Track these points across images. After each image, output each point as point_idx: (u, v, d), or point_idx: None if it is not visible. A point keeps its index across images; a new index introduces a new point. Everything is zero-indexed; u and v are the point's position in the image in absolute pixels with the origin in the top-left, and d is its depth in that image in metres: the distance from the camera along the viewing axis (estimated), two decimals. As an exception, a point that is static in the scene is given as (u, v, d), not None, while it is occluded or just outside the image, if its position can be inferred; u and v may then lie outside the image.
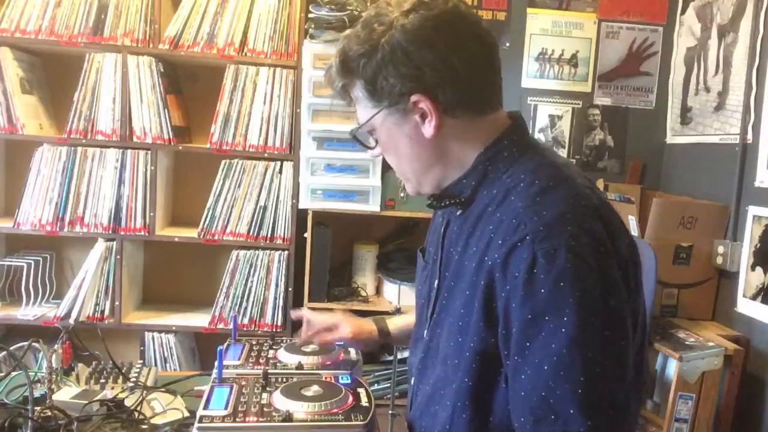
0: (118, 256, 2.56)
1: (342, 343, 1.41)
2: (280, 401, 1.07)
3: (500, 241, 0.86)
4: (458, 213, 1.00)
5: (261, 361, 1.29)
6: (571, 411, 0.78)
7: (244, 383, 1.16)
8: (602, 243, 0.83)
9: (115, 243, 2.56)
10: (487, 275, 0.87)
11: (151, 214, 2.57)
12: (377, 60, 0.92)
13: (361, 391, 1.14)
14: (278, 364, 1.28)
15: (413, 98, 0.92)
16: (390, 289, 2.70)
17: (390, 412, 2.22)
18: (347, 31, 0.98)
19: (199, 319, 2.64)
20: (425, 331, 1.06)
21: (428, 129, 0.94)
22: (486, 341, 0.87)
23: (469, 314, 0.90)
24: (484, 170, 0.96)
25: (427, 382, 1.01)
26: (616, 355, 0.81)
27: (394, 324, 1.40)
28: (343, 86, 0.99)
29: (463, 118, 0.95)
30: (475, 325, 0.89)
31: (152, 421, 1.24)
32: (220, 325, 2.59)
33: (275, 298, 2.61)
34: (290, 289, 2.62)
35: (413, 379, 1.10)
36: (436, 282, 1.04)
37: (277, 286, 2.61)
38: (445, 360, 0.96)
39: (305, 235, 2.61)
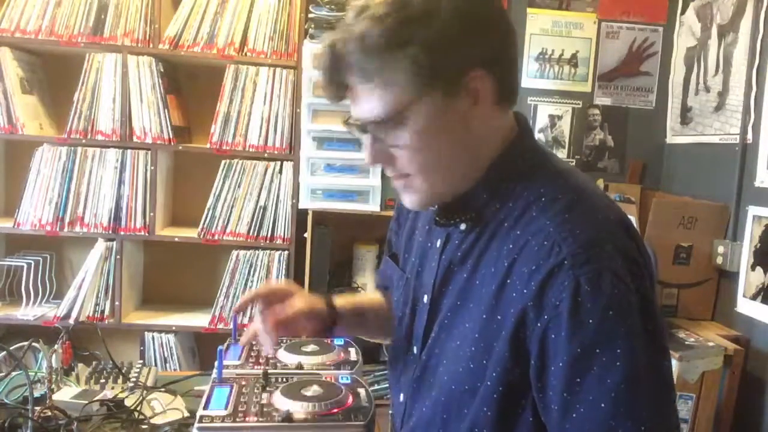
0: (118, 256, 2.56)
1: (342, 342, 1.41)
2: (280, 401, 1.07)
3: (533, 267, 0.78)
4: (462, 227, 0.90)
5: (261, 361, 1.29)
6: None
7: (244, 383, 1.16)
8: (636, 262, 0.78)
9: (115, 243, 2.56)
10: (515, 303, 0.79)
11: (151, 214, 2.57)
12: (440, 23, 0.76)
13: (361, 391, 1.13)
14: (278, 364, 1.28)
15: (473, 73, 0.79)
16: (390, 289, 2.70)
17: (390, 412, 2.22)
18: (358, 2, 0.80)
19: (199, 319, 2.64)
20: (416, 348, 0.98)
21: (478, 114, 0.82)
22: (511, 373, 0.81)
23: (489, 341, 0.83)
24: (498, 181, 0.87)
25: (424, 403, 0.94)
26: (666, 381, 0.78)
27: (344, 308, 1.16)
28: (366, 70, 0.79)
29: (496, 108, 0.85)
30: (498, 354, 0.81)
31: (152, 421, 1.24)
32: (220, 325, 2.59)
33: (275, 298, 2.61)
34: (290, 289, 2.61)
35: (402, 395, 1.01)
36: (427, 297, 0.95)
37: (277, 286, 2.61)
38: (450, 383, 0.88)
39: (305, 235, 2.61)
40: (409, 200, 0.91)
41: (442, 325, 0.92)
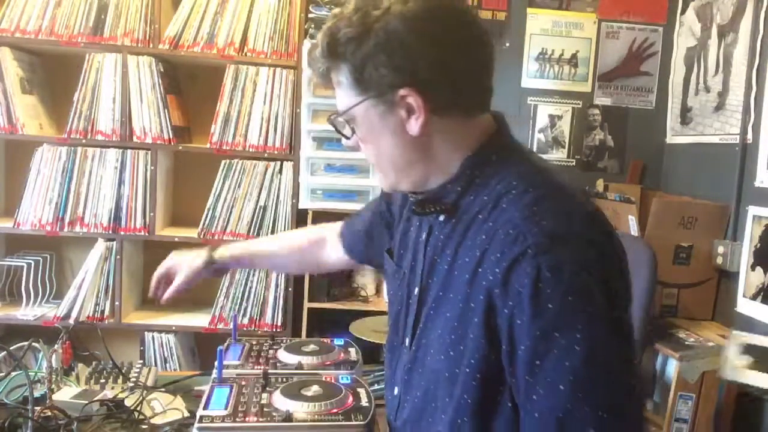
0: (118, 256, 2.56)
1: (342, 342, 1.41)
2: (280, 401, 1.07)
3: (499, 254, 0.82)
4: (441, 219, 0.96)
5: (261, 361, 1.29)
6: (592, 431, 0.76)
7: (244, 383, 1.16)
8: (602, 253, 0.81)
9: (115, 243, 2.56)
10: (485, 290, 0.83)
11: (151, 214, 2.57)
12: (369, 46, 0.86)
13: (361, 391, 1.14)
14: (278, 364, 1.28)
15: (402, 92, 0.87)
16: (390, 289, 2.70)
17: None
18: (336, 10, 0.92)
19: (199, 319, 2.64)
20: (407, 340, 1.01)
21: (414, 126, 0.89)
22: (487, 359, 0.84)
23: (464, 329, 0.86)
24: (471, 176, 0.92)
25: (414, 395, 0.97)
26: (627, 368, 0.80)
27: (232, 254, 1.44)
28: (326, 69, 0.92)
29: (450, 119, 0.91)
30: (475, 341, 0.84)
31: (152, 421, 1.24)
32: (220, 325, 2.59)
33: (275, 298, 2.61)
34: (290, 289, 2.62)
35: (396, 389, 1.04)
36: (417, 289, 1.00)
37: (277, 286, 2.61)
38: (435, 373, 0.91)
39: (305, 235, 2.61)
40: (380, 183, 1.02)
41: (428, 316, 0.96)
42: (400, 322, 1.05)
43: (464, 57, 0.88)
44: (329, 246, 1.42)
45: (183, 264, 1.42)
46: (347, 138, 0.97)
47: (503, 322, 0.81)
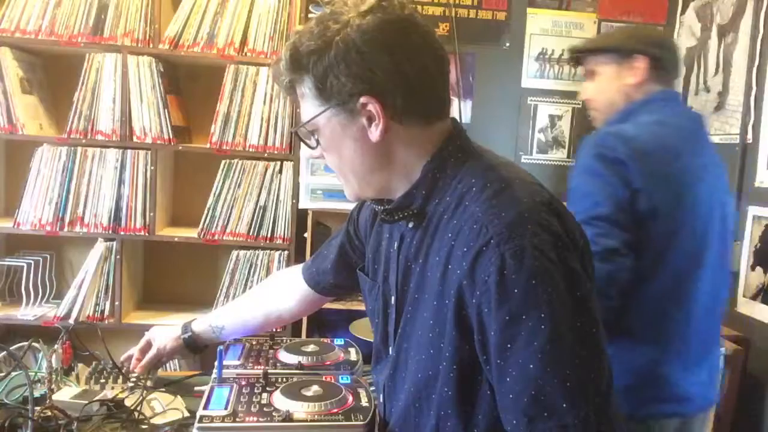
0: (118, 256, 2.56)
1: (342, 342, 1.41)
2: (280, 401, 1.07)
3: (465, 249, 0.86)
4: (410, 226, 1.00)
5: (261, 361, 1.30)
6: (564, 405, 0.79)
7: (244, 383, 1.16)
8: (560, 237, 0.85)
9: (115, 243, 2.56)
10: (454, 284, 0.87)
11: (151, 214, 2.57)
12: (329, 57, 0.90)
13: (361, 391, 1.14)
14: (278, 364, 1.28)
15: (362, 100, 0.91)
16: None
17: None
18: (299, 27, 0.97)
19: (199, 319, 2.64)
20: (390, 348, 1.04)
21: (374, 133, 0.93)
22: (461, 350, 0.88)
23: (440, 324, 0.90)
24: (434, 179, 0.96)
25: (399, 398, 1.00)
26: (593, 343, 0.83)
27: (205, 326, 1.46)
28: (290, 81, 0.97)
29: (410, 126, 0.95)
30: (448, 335, 0.89)
31: (152, 421, 1.24)
32: (220, 325, 2.59)
33: (275, 298, 2.61)
34: (290, 289, 2.61)
35: (381, 396, 1.07)
36: (393, 298, 1.03)
37: (277, 286, 2.61)
38: (417, 372, 0.95)
39: (305, 235, 2.61)
40: (345, 191, 1.05)
41: (406, 320, 0.99)
42: (380, 332, 1.09)
43: (418, 65, 0.93)
44: (291, 291, 1.44)
45: (157, 339, 1.49)
46: (312, 148, 1.01)
47: (473, 312, 0.85)
